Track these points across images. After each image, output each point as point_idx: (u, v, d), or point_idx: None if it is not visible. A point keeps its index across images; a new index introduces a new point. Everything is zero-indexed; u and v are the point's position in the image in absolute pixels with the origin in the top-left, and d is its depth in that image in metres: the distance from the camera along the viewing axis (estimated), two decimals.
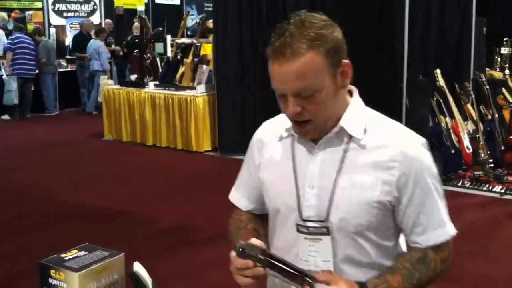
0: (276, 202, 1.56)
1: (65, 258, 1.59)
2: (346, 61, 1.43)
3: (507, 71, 7.22)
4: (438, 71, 6.22)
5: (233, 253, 1.38)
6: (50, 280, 1.55)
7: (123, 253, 1.63)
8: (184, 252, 4.41)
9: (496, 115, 6.20)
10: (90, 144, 8.28)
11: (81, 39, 10.86)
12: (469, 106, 6.38)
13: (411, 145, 1.47)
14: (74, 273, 1.51)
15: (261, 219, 1.67)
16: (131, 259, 1.67)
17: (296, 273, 1.35)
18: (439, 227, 1.49)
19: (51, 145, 8.15)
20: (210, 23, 8.55)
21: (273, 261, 1.36)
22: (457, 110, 6.21)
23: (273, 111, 1.59)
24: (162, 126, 7.80)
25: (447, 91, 6.20)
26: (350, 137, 1.46)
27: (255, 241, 1.41)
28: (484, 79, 6.22)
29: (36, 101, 10.38)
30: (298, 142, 1.53)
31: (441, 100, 6.11)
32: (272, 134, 1.60)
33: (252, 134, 1.68)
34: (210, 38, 8.04)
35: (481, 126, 6.10)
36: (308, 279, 1.34)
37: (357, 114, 1.48)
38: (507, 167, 5.92)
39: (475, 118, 6.17)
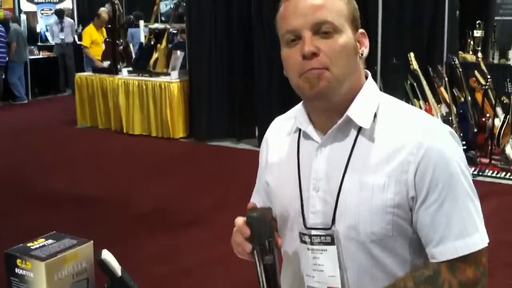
0: (281, 207, 1.35)
1: (31, 247, 1.55)
2: (362, 30, 1.30)
3: (479, 54, 7.25)
4: (411, 54, 6.25)
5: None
6: (17, 270, 1.51)
7: (92, 241, 1.60)
8: (161, 236, 4.41)
9: (469, 98, 6.25)
10: (63, 131, 8.17)
11: None
12: (442, 89, 6.41)
13: (431, 134, 1.21)
14: (40, 262, 1.47)
15: None
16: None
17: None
18: (461, 237, 1.18)
19: (23, 131, 8.05)
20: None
21: (258, 259, 1.22)
22: (431, 93, 6.25)
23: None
24: (135, 113, 7.71)
25: (420, 74, 6.24)
26: (360, 129, 1.25)
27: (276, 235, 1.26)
28: (457, 62, 6.27)
29: (7, 89, 10.20)
30: (304, 138, 1.32)
31: (414, 84, 6.13)
32: (280, 130, 1.40)
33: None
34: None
35: (454, 109, 6.14)
36: None
37: (368, 101, 1.27)
38: (480, 149, 5.98)
39: (448, 101, 6.21)
